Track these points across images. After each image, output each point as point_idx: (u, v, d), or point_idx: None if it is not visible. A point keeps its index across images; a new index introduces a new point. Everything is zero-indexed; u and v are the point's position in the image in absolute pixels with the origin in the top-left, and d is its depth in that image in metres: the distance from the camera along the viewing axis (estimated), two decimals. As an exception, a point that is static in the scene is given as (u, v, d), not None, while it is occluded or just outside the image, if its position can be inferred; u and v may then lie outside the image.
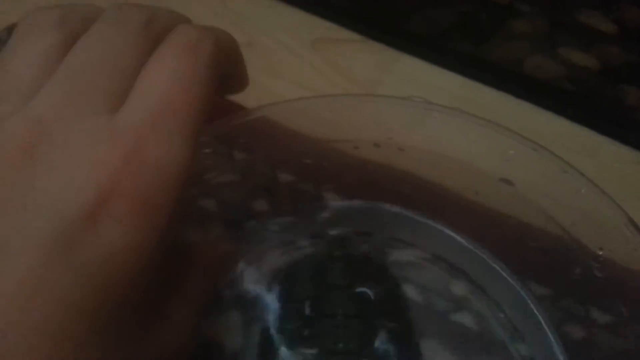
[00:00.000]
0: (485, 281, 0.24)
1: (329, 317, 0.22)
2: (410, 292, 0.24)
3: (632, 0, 0.29)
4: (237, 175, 0.26)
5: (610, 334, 0.22)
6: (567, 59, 0.30)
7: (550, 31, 0.30)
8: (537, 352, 0.22)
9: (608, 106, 0.30)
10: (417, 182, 0.25)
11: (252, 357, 0.21)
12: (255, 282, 0.23)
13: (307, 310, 0.22)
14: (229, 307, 0.22)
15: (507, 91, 0.31)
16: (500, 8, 0.30)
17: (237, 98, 0.31)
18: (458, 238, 0.24)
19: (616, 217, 0.20)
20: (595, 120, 0.30)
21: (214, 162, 0.25)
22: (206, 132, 0.24)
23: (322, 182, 0.26)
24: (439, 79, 0.32)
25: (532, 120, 0.31)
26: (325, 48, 0.35)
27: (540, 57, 0.30)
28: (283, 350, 0.21)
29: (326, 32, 0.35)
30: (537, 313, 0.23)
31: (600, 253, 0.21)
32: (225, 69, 0.17)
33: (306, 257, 0.24)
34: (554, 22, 0.30)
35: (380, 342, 0.21)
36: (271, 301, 0.22)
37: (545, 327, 0.22)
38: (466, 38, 0.31)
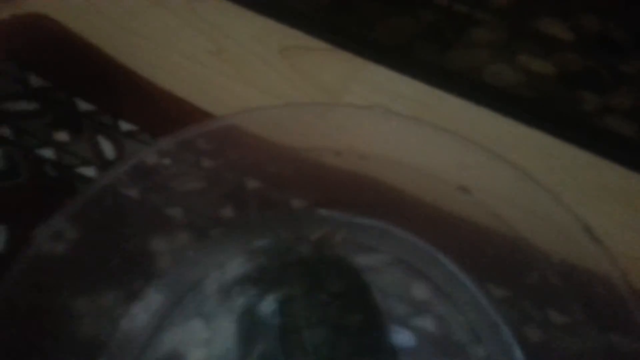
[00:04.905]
0: (445, 284, 0.24)
1: (294, 333, 0.22)
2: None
3: (590, 8, 0.29)
4: (203, 182, 0.26)
5: (566, 335, 0.23)
6: (525, 67, 0.30)
7: (510, 39, 0.31)
8: (495, 354, 0.22)
9: (566, 112, 0.31)
10: (378, 189, 0.25)
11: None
12: (219, 290, 0.23)
13: (272, 326, 0.22)
14: (192, 316, 0.22)
15: (467, 98, 0.32)
16: (462, 17, 0.30)
17: (205, 105, 0.32)
18: (419, 242, 0.25)
19: (572, 224, 0.21)
20: (553, 126, 0.31)
21: (180, 170, 0.25)
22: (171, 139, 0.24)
23: (289, 189, 0.26)
24: (404, 87, 0.33)
25: (491, 127, 0.31)
26: (294, 56, 0.35)
27: (500, 65, 0.31)
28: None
29: (295, 40, 0.36)
30: (494, 315, 0.23)
31: (556, 260, 0.22)
32: None
33: (269, 263, 0.24)
34: (513, 30, 0.30)
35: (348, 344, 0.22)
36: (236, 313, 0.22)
37: (503, 330, 0.23)
38: (429, 47, 0.32)
